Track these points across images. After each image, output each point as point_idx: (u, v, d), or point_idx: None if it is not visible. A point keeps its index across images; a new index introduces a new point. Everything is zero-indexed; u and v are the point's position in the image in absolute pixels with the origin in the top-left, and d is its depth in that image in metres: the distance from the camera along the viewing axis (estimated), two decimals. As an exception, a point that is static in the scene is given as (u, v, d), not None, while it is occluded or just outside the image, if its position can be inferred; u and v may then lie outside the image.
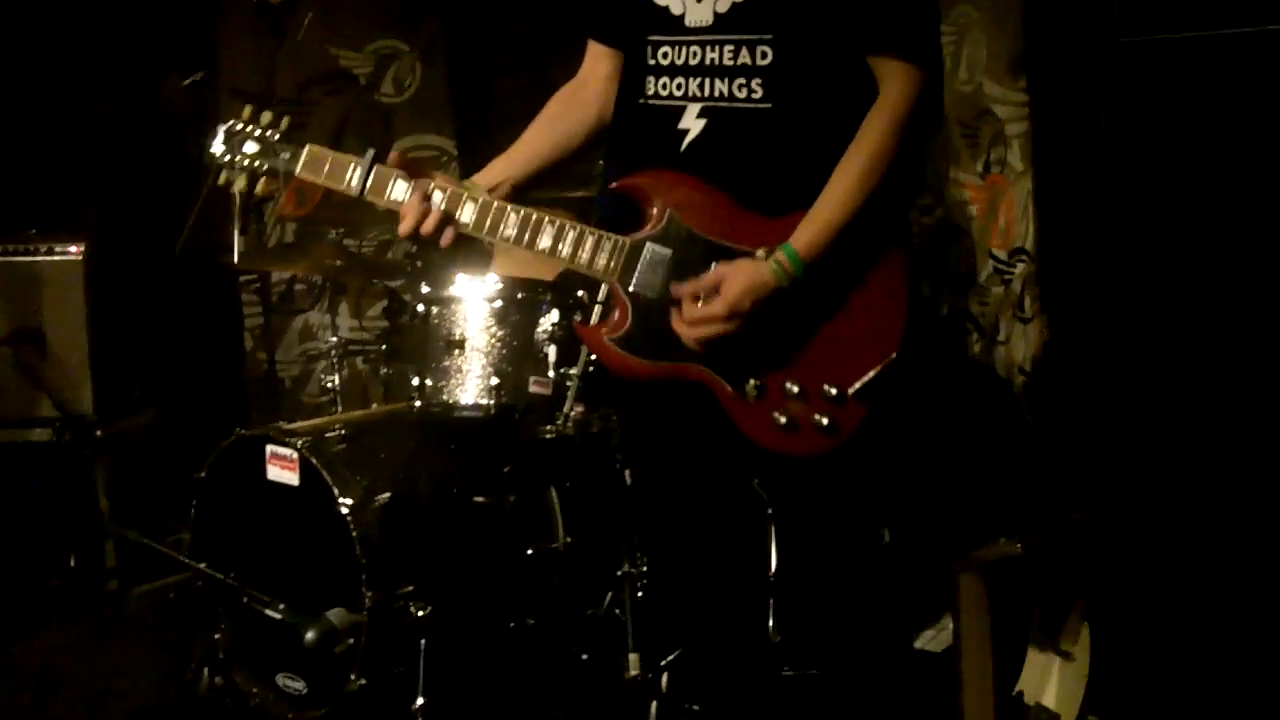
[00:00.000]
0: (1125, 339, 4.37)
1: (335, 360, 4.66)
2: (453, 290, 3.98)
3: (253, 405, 5.82)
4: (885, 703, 3.09)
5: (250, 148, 2.69)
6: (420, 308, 3.99)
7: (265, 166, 2.69)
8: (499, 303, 3.93)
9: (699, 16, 2.56)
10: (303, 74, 5.75)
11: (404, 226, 2.64)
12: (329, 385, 4.65)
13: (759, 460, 2.65)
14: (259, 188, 2.72)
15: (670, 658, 3.56)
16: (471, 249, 4.75)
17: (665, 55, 2.62)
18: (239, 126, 2.72)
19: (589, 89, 2.86)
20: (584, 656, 4.10)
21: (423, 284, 4.04)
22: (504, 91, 5.98)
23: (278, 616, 3.74)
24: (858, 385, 2.53)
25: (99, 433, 4.90)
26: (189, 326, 5.78)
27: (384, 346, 4.40)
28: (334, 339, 4.68)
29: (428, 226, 2.63)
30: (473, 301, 3.95)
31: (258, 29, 5.01)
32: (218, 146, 2.71)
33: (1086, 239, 4.54)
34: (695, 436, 2.72)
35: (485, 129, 5.90)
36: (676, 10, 2.60)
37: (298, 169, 2.67)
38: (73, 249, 4.89)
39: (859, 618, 3.04)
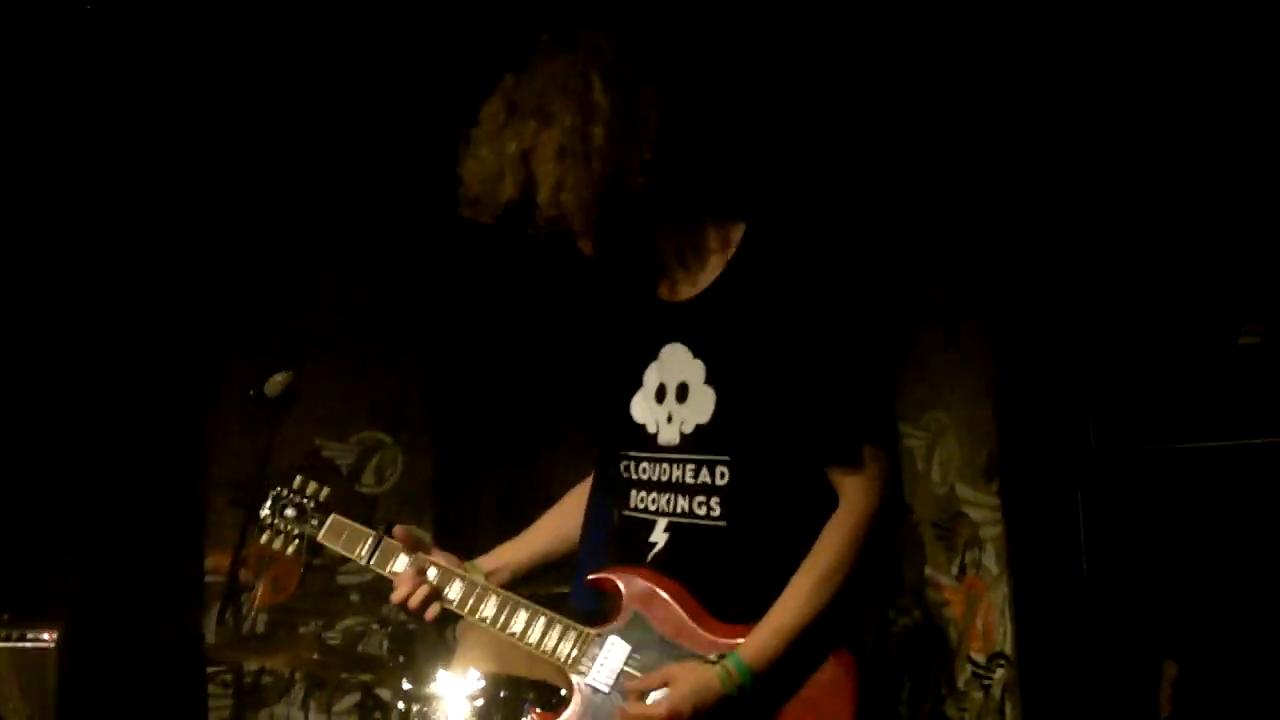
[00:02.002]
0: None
1: (306, 758, 4.55)
2: (434, 687, 3.94)
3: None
4: None
5: (290, 513, 2.91)
6: (400, 704, 3.94)
7: (297, 531, 2.91)
8: (480, 701, 3.89)
9: (669, 436, 2.70)
10: (286, 464, 5.82)
11: (395, 595, 2.79)
12: (298, 784, 4.53)
13: None
14: (290, 550, 2.92)
15: None
16: (438, 644, 4.76)
17: (643, 470, 2.74)
18: (285, 493, 2.94)
19: None
20: None
21: (404, 680, 4.00)
22: (487, 485, 6.05)
23: None
24: None
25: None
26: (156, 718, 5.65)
27: (355, 744, 4.29)
28: (306, 734, 4.57)
29: (414, 600, 2.76)
30: (454, 699, 3.90)
31: (249, 420, 5.11)
32: (265, 510, 2.93)
33: (1066, 644, 4.55)
34: None
35: (467, 520, 5.94)
36: (651, 429, 2.73)
37: (320, 535, 2.88)
38: (45, 636, 4.82)
39: None
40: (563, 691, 3.91)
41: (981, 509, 4.94)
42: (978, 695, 4.86)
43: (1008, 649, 4.74)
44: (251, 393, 4.69)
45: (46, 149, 5.50)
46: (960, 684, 4.95)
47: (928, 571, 5.15)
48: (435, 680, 3.97)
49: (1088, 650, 4.46)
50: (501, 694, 3.89)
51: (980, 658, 4.87)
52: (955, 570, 5.05)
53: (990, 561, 4.87)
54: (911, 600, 5.12)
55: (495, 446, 6.23)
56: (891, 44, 4.87)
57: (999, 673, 4.77)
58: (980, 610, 4.90)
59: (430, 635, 4.93)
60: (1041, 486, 4.69)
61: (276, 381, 4.64)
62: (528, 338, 5.92)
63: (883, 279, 2.75)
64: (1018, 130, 4.69)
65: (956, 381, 5.01)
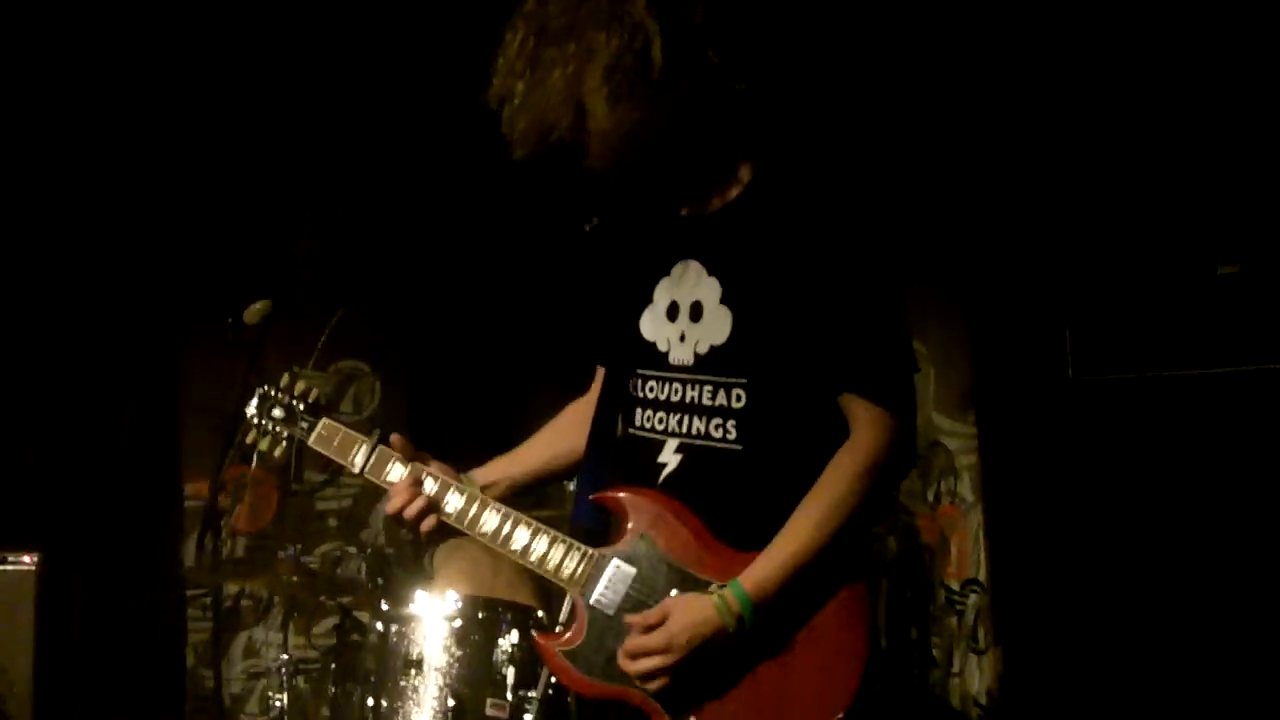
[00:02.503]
0: (1079, 672, 4.38)
1: (285, 678, 4.57)
2: (412, 608, 3.95)
3: (193, 723, 5.69)
4: None
5: (278, 413, 2.82)
6: (379, 626, 3.96)
7: (286, 433, 2.82)
8: (459, 622, 3.90)
9: (681, 355, 2.63)
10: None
11: (390, 505, 2.71)
12: (277, 703, 4.56)
13: None
14: (278, 452, 2.84)
15: None
16: (415, 568, 4.78)
17: (651, 389, 2.68)
18: (272, 392, 2.84)
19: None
20: None
21: (382, 601, 4.02)
22: (464, 417, 6.05)
23: None
24: None
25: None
26: (134, 641, 5.68)
27: (333, 665, 4.33)
28: (285, 656, 4.60)
29: (411, 511, 2.69)
30: (432, 620, 3.92)
31: (227, 348, 5.11)
32: (251, 408, 2.84)
33: (1039, 571, 4.59)
34: None
35: (442, 453, 5.94)
36: (662, 347, 2.66)
37: (311, 439, 2.79)
38: (26, 559, 4.82)
39: None
40: (539, 613, 3.98)
41: (957, 438, 4.96)
42: (951, 620, 4.91)
43: (981, 575, 4.78)
44: (230, 321, 4.67)
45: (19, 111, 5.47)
46: (934, 610, 4.99)
47: (902, 499, 5.19)
48: (413, 602, 3.98)
49: (1061, 577, 4.49)
50: (479, 615, 3.91)
51: (954, 584, 4.91)
52: (930, 498, 5.08)
53: (965, 490, 4.91)
54: (885, 528, 5.15)
55: (475, 381, 6.23)
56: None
57: (972, 598, 4.82)
58: (954, 538, 4.94)
59: (408, 558, 4.96)
60: (1017, 415, 4.71)
61: (254, 310, 4.62)
62: (510, 270, 5.90)
63: (895, 213, 2.73)
64: (994, 65, 4.68)
65: (932, 310, 5.02)
